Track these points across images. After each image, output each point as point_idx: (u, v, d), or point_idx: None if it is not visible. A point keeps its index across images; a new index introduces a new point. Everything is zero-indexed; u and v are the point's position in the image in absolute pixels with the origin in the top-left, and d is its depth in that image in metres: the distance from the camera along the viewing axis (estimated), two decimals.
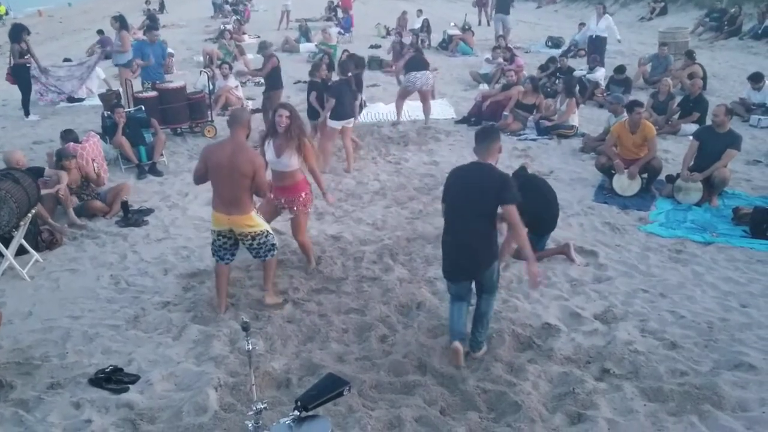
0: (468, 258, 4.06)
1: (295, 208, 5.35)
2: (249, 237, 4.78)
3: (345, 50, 13.13)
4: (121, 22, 10.94)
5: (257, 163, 4.63)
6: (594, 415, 3.67)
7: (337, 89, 8.15)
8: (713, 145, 6.89)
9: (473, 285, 4.28)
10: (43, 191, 6.49)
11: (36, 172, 6.70)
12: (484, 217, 3.99)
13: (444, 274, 4.24)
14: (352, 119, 8.27)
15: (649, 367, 4.10)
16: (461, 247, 4.05)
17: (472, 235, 4.00)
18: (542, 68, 12.73)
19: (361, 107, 9.30)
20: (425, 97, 10.28)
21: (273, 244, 4.90)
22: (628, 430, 3.58)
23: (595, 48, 13.29)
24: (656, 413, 3.71)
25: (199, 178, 4.80)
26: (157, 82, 9.95)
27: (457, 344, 4.18)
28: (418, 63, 10.18)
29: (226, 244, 4.83)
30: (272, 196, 5.31)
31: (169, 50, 15.43)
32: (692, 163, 7.04)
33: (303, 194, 5.35)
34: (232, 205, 4.64)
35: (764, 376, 4.00)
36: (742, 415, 3.67)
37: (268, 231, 4.86)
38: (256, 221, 4.79)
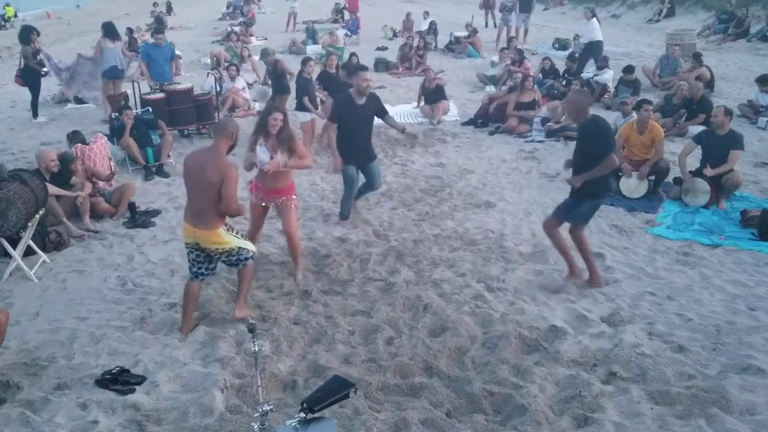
0: (363, 154, 6.46)
1: (286, 209, 5.34)
2: (217, 252, 4.55)
3: (353, 53, 13.13)
4: (104, 30, 10.85)
5: (227, 174, 4.29)
6: (601, 418, 3.66)
7: (305, 85, 8.80)
8: (715, 147, 6.88)
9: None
10: (62, 193, 6.53)
11: (64, 178, 6.73)
12: (371, 129, 6.51)
13: (347, 159, 6.35)
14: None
15: (656, 370, 4.08)
16: (359, 147, 6.38)
17: (366, 142, 6.47)
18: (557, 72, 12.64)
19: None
20: None
21: (247, 257, 4.65)
22: None
23: (591, 53, 13.17)
24: (663, 416, 3.69)
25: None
26: (165, 83, 9.99)
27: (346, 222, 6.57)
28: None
29: (198, 257, 4.59)
30: (259, 197, 5.34)
31: (177, 52, 15.48)
32: (698, 166, 7.03)
33: (292, 196, 5.38)
34: (198, 218, 4.40)
35: None
36: (750, 419, 3.65)
37: (239, 247, 4.58)
38: (223, 239, 4.50)
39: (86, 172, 7.09)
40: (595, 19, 13.84)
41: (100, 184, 7.29)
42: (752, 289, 5.16)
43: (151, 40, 11.06)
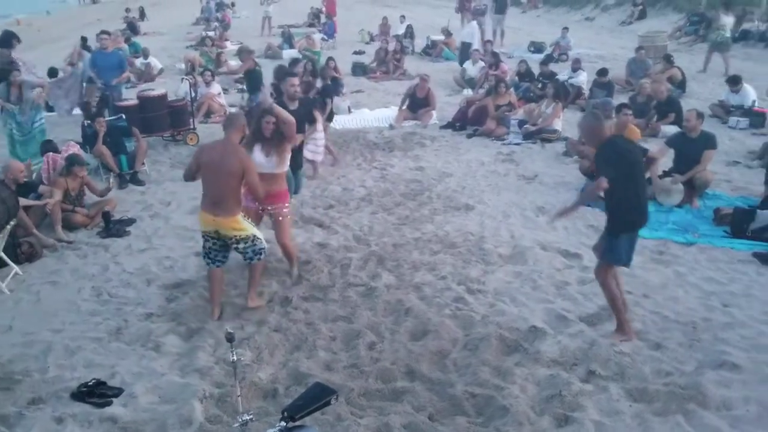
0: (294, 158, 6.05)
1: (280, 218, 5.34)
2: (234, 240, 4.80)
3: (330, 57, 13.12)
4: (83, 42, 10.66)
5: (247, 165, 4.69)
6: (581, 417, 3.69)
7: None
8: (689, 150, 6.99)
9: None
10: (31, 203, 6.41)
11: (30, 187, 6.61)
12: (303, 132, 6.70)
13: None
14: None
15: (635, 368, 4.13)
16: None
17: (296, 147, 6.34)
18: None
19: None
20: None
21: (261, 248, 4.90)
22: (615, 431, 3.60)
23: (462, 53, 14.11)
24: (642, 414, 3.74)
25: (189, 175, 4.89)
26: (107, 88, 9.75)
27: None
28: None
29: (215, 245, 4.86)
30: (256, 203, 5.30)
31: (150, 60, 15.17)
32: (672, 166, 7.14)
33: (287, 204, 5.40)
34: (218, 206, 4.69)
35: (747, 374, 4.05)
36: (727, 414, 3.71)
37: (255, 236, 4.86)
38: (242, 225, 4.80)
39: (81, 182, 6.97)
40: (475, 22, 14.33)
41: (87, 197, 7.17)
42: (726, 287, 5.25)
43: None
